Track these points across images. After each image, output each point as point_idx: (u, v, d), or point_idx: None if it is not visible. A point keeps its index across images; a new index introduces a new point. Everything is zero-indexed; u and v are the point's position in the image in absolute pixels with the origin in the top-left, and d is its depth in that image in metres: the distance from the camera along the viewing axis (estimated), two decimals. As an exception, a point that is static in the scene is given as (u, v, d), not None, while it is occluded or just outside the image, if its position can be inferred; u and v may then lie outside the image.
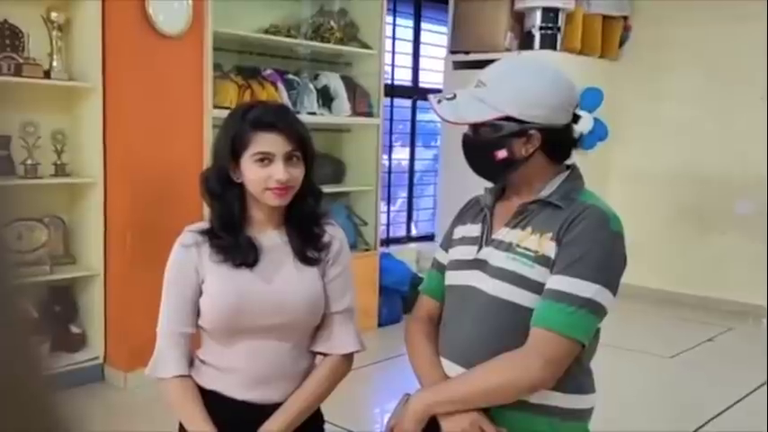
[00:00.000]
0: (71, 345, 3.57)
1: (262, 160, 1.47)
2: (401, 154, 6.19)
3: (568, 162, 1.51)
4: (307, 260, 1.55)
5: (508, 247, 1.41)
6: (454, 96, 1.44)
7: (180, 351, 1.54)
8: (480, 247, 1.47)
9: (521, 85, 1.40)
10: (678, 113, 5.72)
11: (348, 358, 1.62)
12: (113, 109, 3.50)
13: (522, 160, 1.41)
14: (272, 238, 1.55)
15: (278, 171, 1.46)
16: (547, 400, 1.38)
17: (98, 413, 3.26)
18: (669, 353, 4.49)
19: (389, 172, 5.86)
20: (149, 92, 3.51)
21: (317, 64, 4.59)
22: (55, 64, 3.41)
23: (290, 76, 4.25)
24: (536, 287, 1.36)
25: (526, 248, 1.38)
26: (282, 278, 1.53)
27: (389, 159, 5.86)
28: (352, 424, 3.23)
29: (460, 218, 1.61)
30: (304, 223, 1.56)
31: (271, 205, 1.51)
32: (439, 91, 5.90)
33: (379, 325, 4.70)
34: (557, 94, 1.40)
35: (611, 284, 1.35)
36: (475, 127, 1.44)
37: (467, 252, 1.50)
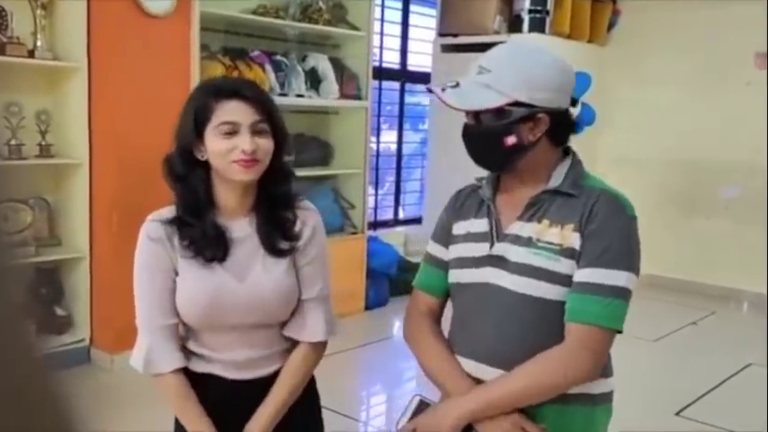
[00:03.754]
0: (56, 327, 3.55)
1: (227, 132, 1.40)
2: (389, 137, 6.18)
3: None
4: (277, 252, 1.49)
5: (528, 242, 1.39)
6: (457, 84, 1.40)
7: (172, 343, 1.49)
8: (492, 243, 1.44)
9: (525, 68, 1.38)
10: (665, 98, 5.74)
11: (317, 346, 1.58)
12: (99, 89, 3.46)
13: (530, 146, 1.39)
14: (242, 228, 1.48)
15: (244, 141, 1.39)
16: (579, 388, 1.39)
17: (85, 395, 3.25)
18: (653, 336, 4.53)
19: (377, 155, 5.85)
20: (135, 72, 3.47)
21: (305, 45, 4.56)
22: (39, 43, 3.37)
23: (278, 58, 4.22)
24: (564, 280, 1.36)
25: (549, 242, 1.37)
26: (254, 274, 1.47)
27: (377, 142, 5.84)
28: (338, 406, 3.24)
29: (457, 212, 1.55)
30: (274, 209, 1.49)
31: (237, 181, 1.43)
32: (427, 75, 5.90)
33: (366, 308, 4.71)
34: (559, 76, 1.39)
35: (636, 268, 1.37)
36: (476, 115, 1.40)
37: (476, 249, 1.46)
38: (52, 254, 3.50)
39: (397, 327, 4.87)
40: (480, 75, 1.39)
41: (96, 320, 3.60)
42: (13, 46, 3.28)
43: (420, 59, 6.12)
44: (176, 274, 1.46)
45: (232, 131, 1.40)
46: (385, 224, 6.12)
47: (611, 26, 5.97)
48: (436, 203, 5.92)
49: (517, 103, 1.36)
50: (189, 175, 1.45)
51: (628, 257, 1.36)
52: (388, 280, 4.97)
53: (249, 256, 1.48)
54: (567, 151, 1.49)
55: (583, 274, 1.34)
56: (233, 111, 1.40)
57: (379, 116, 5.79)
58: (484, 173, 1.55)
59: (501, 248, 1.42)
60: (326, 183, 4.71)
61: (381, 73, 5.63)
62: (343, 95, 4.52)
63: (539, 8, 5.37)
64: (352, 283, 4.58)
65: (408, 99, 6.21)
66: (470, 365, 1.44)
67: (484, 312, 1.44)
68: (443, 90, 1.39)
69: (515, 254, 1.39)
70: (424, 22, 6.14)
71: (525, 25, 5.39)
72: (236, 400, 1.51)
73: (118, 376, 3.43)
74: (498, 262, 1.42)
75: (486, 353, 1.42)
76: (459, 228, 1.52)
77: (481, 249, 1.45)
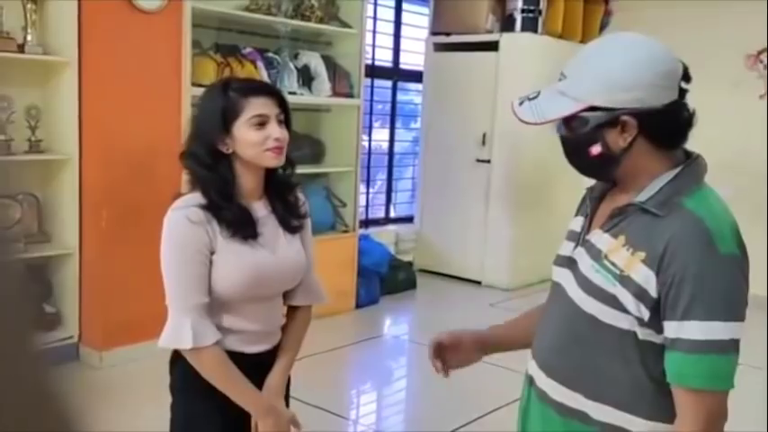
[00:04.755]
0: (45, 324, 3.53)
1: (258, 123, 1.58)
2: (381, 135, 6.18)
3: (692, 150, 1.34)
4: (291, 229, 1.70)
5: (597, 256, 1.29)
6: (537, 95, 1.30)
7: (210, 319, 1.61)
8: (577, 245, 1.37)
9: (603, 68, 1.24)
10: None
11: (310, 309, 1.83)
12: (89, 84, 3.44)
13: (622, 152, 1.25)
14: (261, 209, 1.67)
15: (274, 130, 1.59)
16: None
17: (73, 392, 3.24)
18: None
19: (369, 153, 5.84)
20: (126, 68, 3.45)
21: (298, 43, 4.55)
22: (29, 38, 3.34)
23: (270, 55, 4.21)
24: (613, 303, 1.25)
25: (613, 263, 1.25)
26: (282, 248, 1.68)
27: (369, 140, 5.84)
28: (328, 404, 3.24)
29: (578, 207, 1.47)
30: (283, 192, 1.70)
31: (259, 168, 1.63)
32: (420, 73, 5.91)
33: (357, 306, 4.71)
34: (648, 70, 1.22)
35: (740, 315, 1.21)
36: (567, 124, 1.29)
37: (567, 247, 1.40)
38: (41, 250, 3.47)
39: (388, 325, 4.87)
40: (559, 82, 1.29)
41: (85, 317, 3.58)
42: (2, 40, 3.25)
43: (412, 58, 6.11)
44: (211, 254, 1.60)
45: (262, 123, 1.59)
46: (376, 222, 6.12)
47: (603, 26, 5.98)
48: (428, 202, 5.96)
49: (595, 108, 1.24)
50: (217, 166, 1.61)
51: (726, 304, 1.19)
52: (380, 278, 4.97)
53: (272, 233, 1.68)
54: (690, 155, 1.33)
55: (675, 329, 1.20)
56: (263, 105, 1.59)
57: (371, 114, 5.79)
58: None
59: (578, 253, 1.34)
60: (318, 181, 4.70)
61: (374, 71, 5.62)
62: (336, 93, 4.51)
63: (531, 8, 5.38)
64: (344, 281, 4.57)
65: (400, 97, 6.21)
66: (531, 364, 1.42)
67: (550, 314, 1.41)
68: (521, 103, 1.31)
69: (584, 264, 1.31)
70: (417, 21, 6.14)
71: (518, 25, 5.40)
72: (256, 373, 1.68)
73: (107, 373, 3.41)
74: (573, 266, 1.34)
75: (540, 355, 1.40)
76: (571, 223, 1.46)
77: (569, 249, 1.38)
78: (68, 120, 3.47)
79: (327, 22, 4.48)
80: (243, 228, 1.61)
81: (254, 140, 1.58)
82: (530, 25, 5.38)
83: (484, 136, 5.49)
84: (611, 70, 1.23)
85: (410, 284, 5.32)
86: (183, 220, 1.57)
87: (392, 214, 6.35)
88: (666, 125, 1.27)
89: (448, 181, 5.76)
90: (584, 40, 5.77)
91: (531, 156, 5.30)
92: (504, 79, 5.28)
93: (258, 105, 1.59)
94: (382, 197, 6.30)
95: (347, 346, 4.14)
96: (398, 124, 6.30)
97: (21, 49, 3.32)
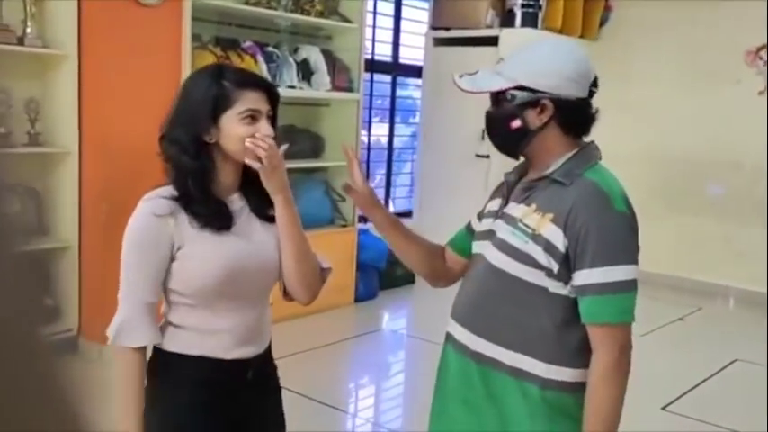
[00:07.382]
0: (45, 316, 3.53)
1: (249, 117, 1.50)
2: (380, 130, 6.17)
3: (588, 140, 1.56)
4: (268, 218, 1.61)
5: (512, 221, 1.49)
6: (476, 72, 1.52)
7: (150, 319, 1.54)
8: (495, 220, 1.56)
9: (534, 56, 1.49)
10: (655, 94, 5.76)
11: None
12: (89, 78, 3.44)
13: (536, 131, 1.47)
14: (236, 201, 1.59)
15: (264, 127, 1.51)
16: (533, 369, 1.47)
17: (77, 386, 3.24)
18: (640, 331, 4.53)
19: (368, 148, 5.84)
20: (126, 61, 3.45)
21: (297, 37, 4.55)
22: (29, 30, 3.34)
23: (270, 49, 4.21)
24: (527, 260, 1.44)
25: (526, 225, 1.45)
26: (258, 235, 1.59)
27: (368, 135, 5.83)
28: (326, 398, 3.25)
29: (494, 192, 1.68)
30: (256, 185, 1.58)
31: (239, 162, 1.54)
32: (419, 68, 5.91)
33: (356, 300, 4.72)
34: (569, 65, 1.45)
35: (633, 258, 1.44)
36: (496, 101, 1.51)
37: (487, 224, 1.59)
38: (40, 243, 3.48)
39: (387, 319, 4.88)
40: (497, 65, 1.53)
41: (85, 310, 3.59)
42: (2, 33, 3.25)
43: (412, 53, 6.11)
44: (177, 249, 1.52)
45: (253, 118, 1.51)
46: (375, 217, 6.11)
47: (603, 22, 5.98)
48: (426, 197, 5.96)
49: (522, 88, 1.44)
50: (199, 156, 1.52)
51: (621, 251, 1.42)
52: (378, 273, 4.98)
53: (248, 222, 1.59)
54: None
55: (583, 276, 1.41)
56: (257, 100, 1.52)
57: (370, 109, 5.78)
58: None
59: (497, 224, 1.53)
60: (317, 175, 4.70)
61: (373, 65, 5.61)
62: (335, 88, 4.51)
63: (531, 3, 5.38)
64: (342, 275, 4.58)
65: (400, 92, 6.20)
66: (452, 324, 1.58)
67: (469, 278, 1.59)
68: (461, 77, 1.51)
69: (501, 230, 1.51)
70: (417, 15, 6.13)
71: (518, 20, 5.40)
72: (239, 382, 1.58)
73: (107, 366, 3.41)
74: (490, 236, 1.54)
75: (459, 313, 1.58)
76: (488, 205, 1.65)
77: (488, 224, 1.58)
78: (68, 113, 3.47)
79: (327, 16, 4.48)
80: (217, 219, 1.52)
81: (242, 135, 1.49)
82: (529, 20, 5.38)
83: (483, 131, 5.49)
84: (540, 59, 1.48)
85: (408, 279, 5.32)
86: (148, 213, 1.52)
87: (391, 209, 6.35)
88: (575, 115, 1.48)
89: (447, 176, 5.76)
90: (583, 36, 5.78)
91: (530, 151, 5.29)
92: (503, 74, 5.28)
93: (253, 99, 1.51)
94: (381, 192, 6.30)
95: (346, 341, 4.15)
96: (398, 119, 6.30)
97: (20, 41, 3.32)
